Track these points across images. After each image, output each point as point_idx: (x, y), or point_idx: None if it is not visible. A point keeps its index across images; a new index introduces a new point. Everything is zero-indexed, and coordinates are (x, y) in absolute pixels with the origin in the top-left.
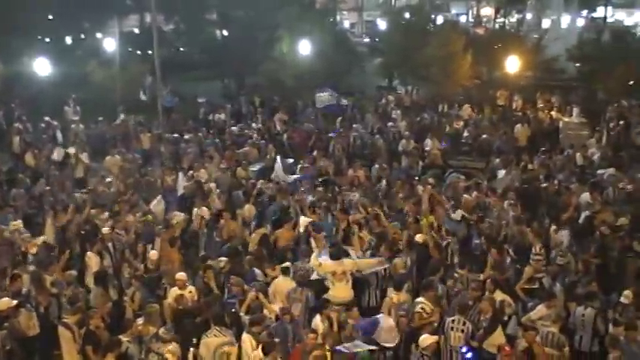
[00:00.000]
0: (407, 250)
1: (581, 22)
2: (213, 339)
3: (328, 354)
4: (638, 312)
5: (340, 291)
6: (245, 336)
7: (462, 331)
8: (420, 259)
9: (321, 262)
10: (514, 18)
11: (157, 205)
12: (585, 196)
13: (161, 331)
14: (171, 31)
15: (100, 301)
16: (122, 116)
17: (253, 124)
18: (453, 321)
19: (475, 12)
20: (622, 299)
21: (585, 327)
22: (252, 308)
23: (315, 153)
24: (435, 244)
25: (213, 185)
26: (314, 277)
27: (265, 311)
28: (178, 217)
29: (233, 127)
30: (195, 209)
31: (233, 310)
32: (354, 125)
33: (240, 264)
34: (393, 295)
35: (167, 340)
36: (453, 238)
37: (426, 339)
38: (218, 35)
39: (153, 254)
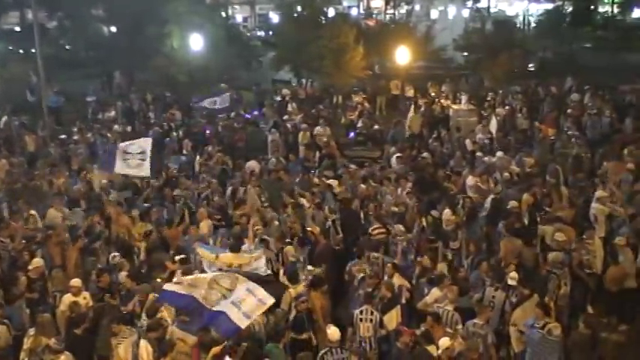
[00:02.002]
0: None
1: (466, 13)
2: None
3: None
4: (525, 291)
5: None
6: (142, 342)
7: (371, 320)
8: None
9: (218, 254)
10: (403, 9)
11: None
12: (471, 180)
13: (51, 341)
14: (55, 28)
15: None
16: (4, 118)
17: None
18: (362, 312)
19: (366, 4)
20: (509, 281)
21: (495, 308)
22: (149, 312)
23: (210, 148)
24: (321, 231)
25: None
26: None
27: (165, 314)
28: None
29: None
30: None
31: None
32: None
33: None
34: (291, 290)
35: (58, 351)
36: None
37: (332, 332)
38: (105, 31)
39: (36, 262)
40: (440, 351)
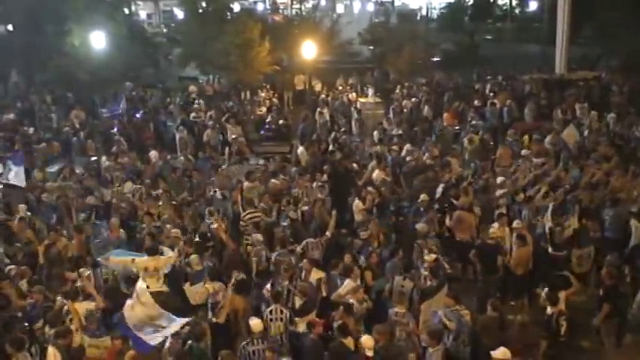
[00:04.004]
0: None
1: (371, 7)
2: None
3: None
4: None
5: (150, 284)
6: (50, 349)
7: (281, 319)
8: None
9: (134, 258)
10: (309, 4)
11: None
12: (378, 174)
13: None
14: None
15: None
16: None
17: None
18: (271, 311)
19: None
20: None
21: (403, 297)
22: (53, 319)
23: (114, 149)
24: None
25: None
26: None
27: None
28: None
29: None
30: None
31: (26, 325)
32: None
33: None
34: (207, 286)
35: None
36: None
37: (255, 323)
38: (1, 29)
39: None
40: (366, 351)
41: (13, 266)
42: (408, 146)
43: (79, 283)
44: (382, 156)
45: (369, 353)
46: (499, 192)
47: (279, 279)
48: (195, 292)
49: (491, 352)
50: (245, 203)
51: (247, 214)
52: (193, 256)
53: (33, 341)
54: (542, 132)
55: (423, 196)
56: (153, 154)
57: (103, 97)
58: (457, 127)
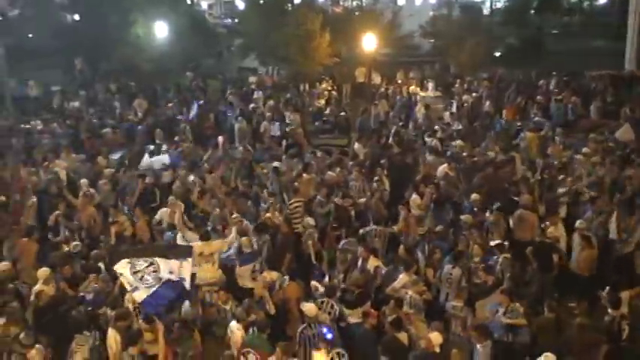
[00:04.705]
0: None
1: None
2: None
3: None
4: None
5: (206, 271)
6: (110, 331)
7: (329, 313)
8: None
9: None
10: None
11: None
12: (442, 168)
13: (21, 336)
14: (17, 17)
15: None
16: None
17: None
18: (322, 303)
19: None
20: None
21: (452, 285)
22: (113, 302)
23: (177, 137)
24: (282, 221)
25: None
26: None
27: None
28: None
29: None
30: None
31: (90, 308)
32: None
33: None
34: (265, 275)
35: (28, 345)
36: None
37: (310, 307)
38: (69, 19)
39: (2, 266)
40: (434, 347)
41: (78, 243)
42: (459, 142)
43: None
44: (441, 151)
45: (437, 350)
46: (560, 190)
47: (334, 271)
48: (245, 272)
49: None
50: (294, 193)
51: (294, 202)
52: (244, 239)
53: (94, 324)
54: (607, 130)
55: (474, 196)
56: (220, 139)
57: (165, 87)
58: (519, 124)
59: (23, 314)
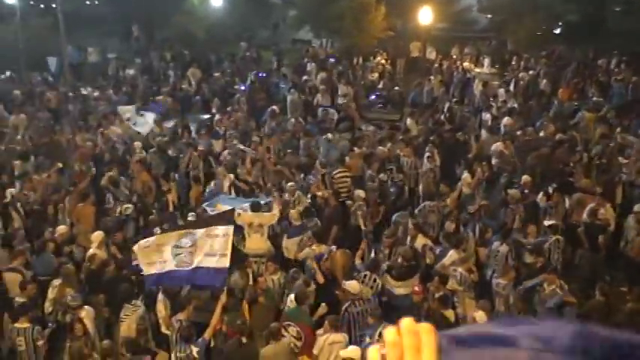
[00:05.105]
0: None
1: None
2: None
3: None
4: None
5: (254, 242)
6: (159, 296)
7: (372, 287)
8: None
9: (240, 212)
10: None
11: None
12: (497, 145)
13: (68, 298)
14: None
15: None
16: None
17: None
18: (365, 276)
19: None
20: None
21: (498, 261)
22: None
23: (229, 108)
24: (330, 194)
25: (137, 144)
26: None
27: None
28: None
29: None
30: None
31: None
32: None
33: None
34: (314, 247)
35: (76, 306)
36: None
37: (353, 285)
38: None
39: (61, 229)
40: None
41: (130, 205)
42: (506, 119)
43: None
44: (494, 129)
45: None
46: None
47: (380, 245)
48: (293, 245)
49: None
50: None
51: (339, 172)
52: (293, 211)
53: (142, 292)
54: None
55: (525, 177)
56: (273, 109)
57: (218, 56)
58: (575, 104)
59: (78, 276)
